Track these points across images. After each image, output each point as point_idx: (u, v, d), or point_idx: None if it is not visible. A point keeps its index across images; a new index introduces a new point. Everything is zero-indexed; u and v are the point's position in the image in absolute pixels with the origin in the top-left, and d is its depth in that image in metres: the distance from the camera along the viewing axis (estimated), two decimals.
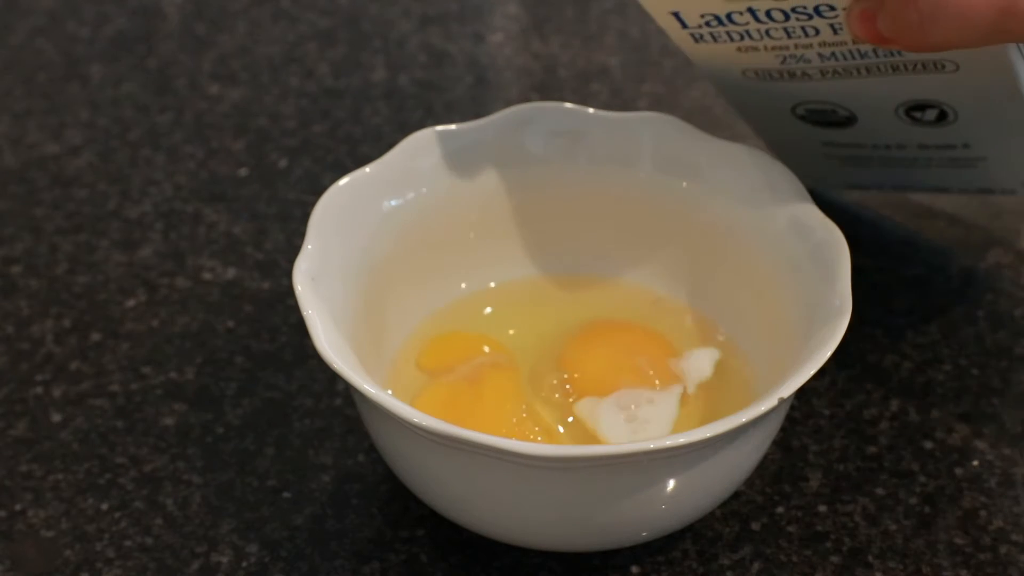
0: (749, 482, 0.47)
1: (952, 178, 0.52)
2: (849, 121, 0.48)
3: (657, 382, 0.46)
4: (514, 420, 0.44)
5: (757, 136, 0.55)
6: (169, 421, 0.49)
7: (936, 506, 0.46)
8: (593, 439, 0.45)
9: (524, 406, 0.45)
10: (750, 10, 0.42)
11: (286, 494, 0.46)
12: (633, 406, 0.45)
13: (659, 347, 0.48)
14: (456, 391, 0.46)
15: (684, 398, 0.46)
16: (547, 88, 0.67)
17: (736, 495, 0.46)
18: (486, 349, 0.48)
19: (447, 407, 0.45)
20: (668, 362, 0.47)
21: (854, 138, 0.50)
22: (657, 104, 0.65)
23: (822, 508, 0.46)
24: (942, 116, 0.46)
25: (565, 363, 0.47)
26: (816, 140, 0.51)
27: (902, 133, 0.48)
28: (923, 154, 0.50)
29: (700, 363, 0.47)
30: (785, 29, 0.42)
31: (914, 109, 0.46)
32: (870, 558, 0.44)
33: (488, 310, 0.50)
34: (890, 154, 0.51)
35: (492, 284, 0.50)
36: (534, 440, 0.44)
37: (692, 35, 0.45)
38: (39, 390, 0.50)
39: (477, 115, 0.49)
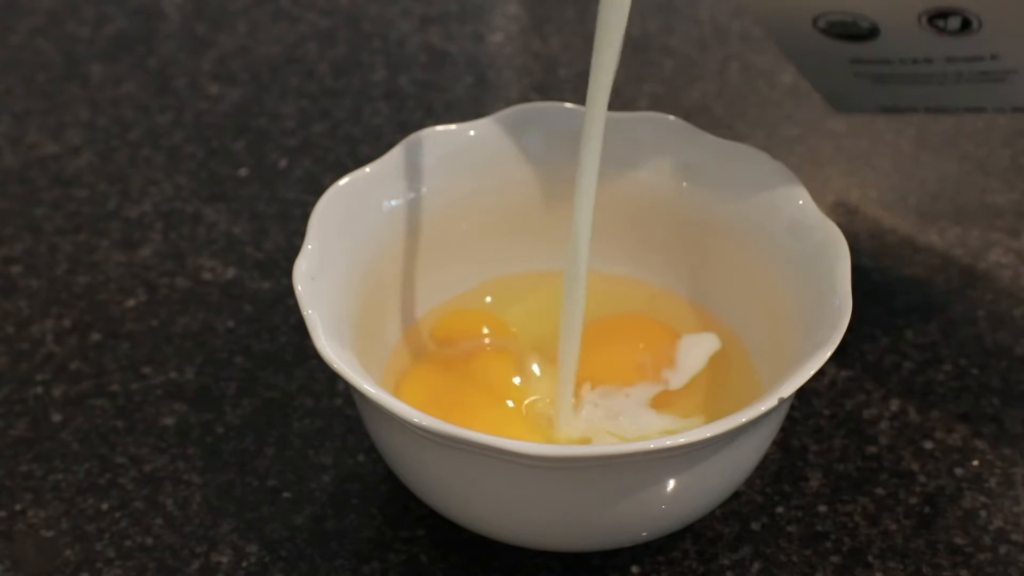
0: (749, 482, 0.47)
1: (984, 95, 0.51)
2: (872, 33, 0.47)
3: (661, 374, 0.46)
4: (512, 409, 0.45)
5: (788, 59, 0.54)
6: (169, 421, 0.49)
7: (936, 506, 0.46)
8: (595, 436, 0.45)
9: (524, 398, 0.45)
10: None
11: (286, 494, 0.46)
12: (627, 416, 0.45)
13: (662, 339, 0.48)
14: (451, 367, 0.46)
15: (684, 394, 0.46)
16: (547, 88, 0.67)
17: (736, 495, 0.46)
18: (485, 331, 0.48)
19: (442, 382, 0.45)
20: (671, 355, 0.47)
21: (879, 53, 0.49)
22: (657, 104, 0.65)
23: (822, 508, 0.46)
24: (966, 24, 0.45)
25: None
26: (843, 58, 0.50)
27: (927, 45, 0.47)
28: (951, 68, 0.49)
29: (699, 348, 0.47)
30: None
31: (936, 17, 0.46)
32: (870, 558, 0.44)
33: (486, 309, 0.50)
34: (918, 69, 0.50)
35: (492, 283, 0.50)
36: (533, 433, 0.44)
37: None
38: (39, 390, 0.50)
39: (477, 115, 0.49)
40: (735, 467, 0.42)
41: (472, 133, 0.48)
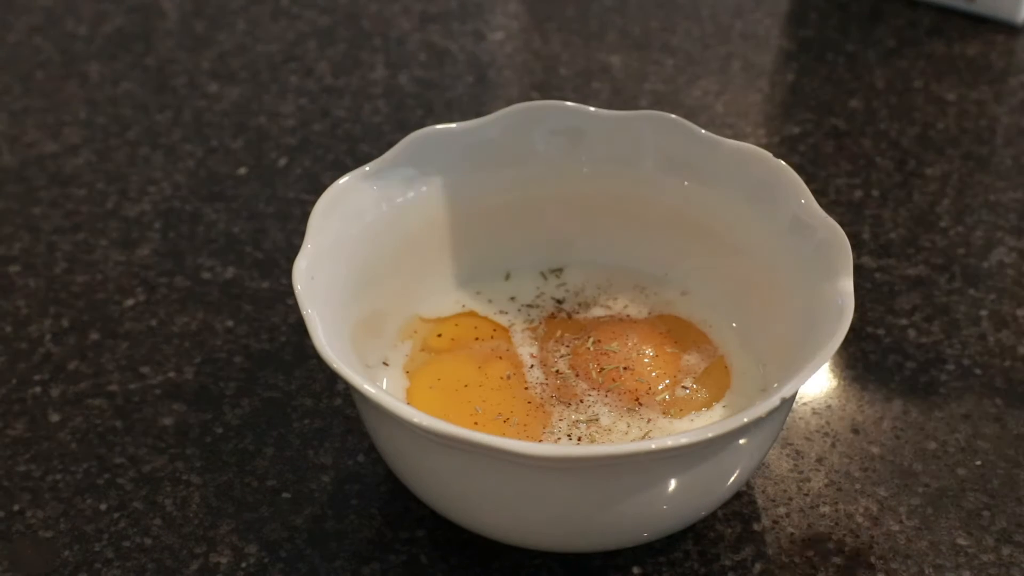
0: (751, 482, 0.46)
1: None
2: None
3: (664, 374, 0.46)
4: (513, 413, 0.44)
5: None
6: (168, 421, 0.49)
7: (939, 507, 0.46)
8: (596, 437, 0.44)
9: (526, 399, 0.45)
10: None
11: (285, 494, 0.46)
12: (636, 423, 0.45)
13: (664, 339, 0.47)
14: (461, 370, 0.46)
15: (686, 394, 0.46)
16: (548, 87, 0.67)
17: (738, 495, 0.46)
18: (486, 332, 0.47)
19: (448, 385, 0.45)
20: (674, 355, 0.47)
21: None
22: (658, 103, 0.65)
23: (824, 509, 0.46)
24: None
25: (570, 360, 0.47)
26: None
27: None
28: None
29: (701, 348, 0.47)
30: None
31: None
32: (872, 559, 0.44)
33: (488, 308, 0.49)
34: None
35: (492, 282, 0.50)
36: (534, 435, 0.44)
37: None
38: (37, 390, 0.50)
39: (477, 114, 0.49)
40: (737, 467, 0.42)
41: (472, 132, 0.48)
